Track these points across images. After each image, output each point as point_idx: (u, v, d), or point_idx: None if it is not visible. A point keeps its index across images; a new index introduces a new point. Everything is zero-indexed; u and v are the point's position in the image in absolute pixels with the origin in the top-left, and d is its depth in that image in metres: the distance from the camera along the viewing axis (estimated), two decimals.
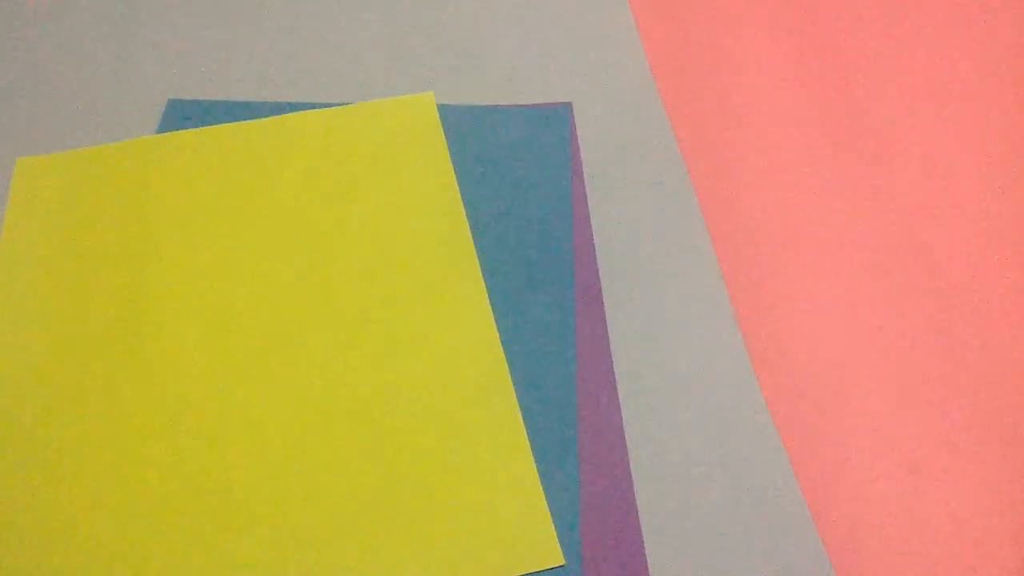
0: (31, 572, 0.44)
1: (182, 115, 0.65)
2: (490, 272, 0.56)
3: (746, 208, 0.59)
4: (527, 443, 0.48)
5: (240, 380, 0.51)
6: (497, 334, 0.53)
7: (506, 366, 0.51)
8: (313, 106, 0.65)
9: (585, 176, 0.61)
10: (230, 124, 0.64)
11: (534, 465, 0.47)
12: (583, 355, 0.52)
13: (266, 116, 0.64)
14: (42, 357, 0.52)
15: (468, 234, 0.57)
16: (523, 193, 0.60)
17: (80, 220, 0.58)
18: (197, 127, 0.64)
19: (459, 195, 0.60)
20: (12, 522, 0.46)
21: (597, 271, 0.56)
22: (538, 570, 0.44)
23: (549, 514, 0.46)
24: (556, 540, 0.45)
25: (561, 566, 0.44)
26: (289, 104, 0.65)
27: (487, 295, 0.54)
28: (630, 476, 0.47)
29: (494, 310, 0.54)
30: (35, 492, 0.47)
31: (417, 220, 0.58)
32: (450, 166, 0.61)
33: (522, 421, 0.49)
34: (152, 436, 0.49)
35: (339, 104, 0.65)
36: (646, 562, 0.44)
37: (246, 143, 0.63)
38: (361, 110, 0.65)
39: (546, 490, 0.46)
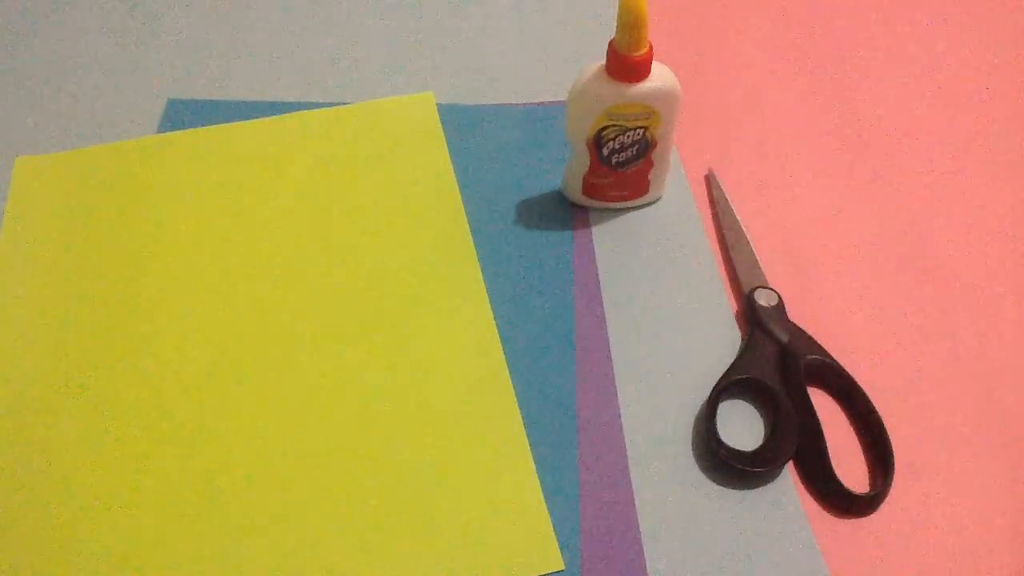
0: (32, 572, 0.44)
1: (182, 115, 0.65)
2: (490, 271, 0.55)
3: (744, 205, 0.59)
4: (527, 446, 0.48)
5: (240, 380, 0.51)
6: (497, 334, 0.52)
7: (506, 366, 0.51)
8: (313, 106, 0.65)
9: None
10: (230, 124, 0.64)
11: (535, 469, 0.47)
12: (583, 355, 0.52)
13: (266, 116, 0.64)
14: (41, 355, 0.52)
15: (468, 233, 0.57)
16: (523, 192, 0.60)
17: (79, 219, 0.58)
18: (197, 127, 0.64)
19: (459, 194, 0.59)
20: (12, 521, 0.46)
21: (597, 271, 0.56)
22: (539, 575, 0.44)
23: (550, 519, 0.45)
24: (556, 545, 0.44)
25: (560, 571, 0.44)
26: (289, 104, 0.65)
27: (487, 294, 0.54)
28: (630, 480, 0.47)
29: (494, 309, 0.54)
30: (36, 491, 0.47)
31: (417, 219, 0.58)
32: (450, 166, 0.61)
33: (522, 423, 0.49)
34: (151, 436, 0.48)
35: (339, 104, 0.65)
36: (646, 567, 0.44)
37: (246, 143, 0.63)
38: (361, 110, 0.65)
39: (546, 494, 0.46)
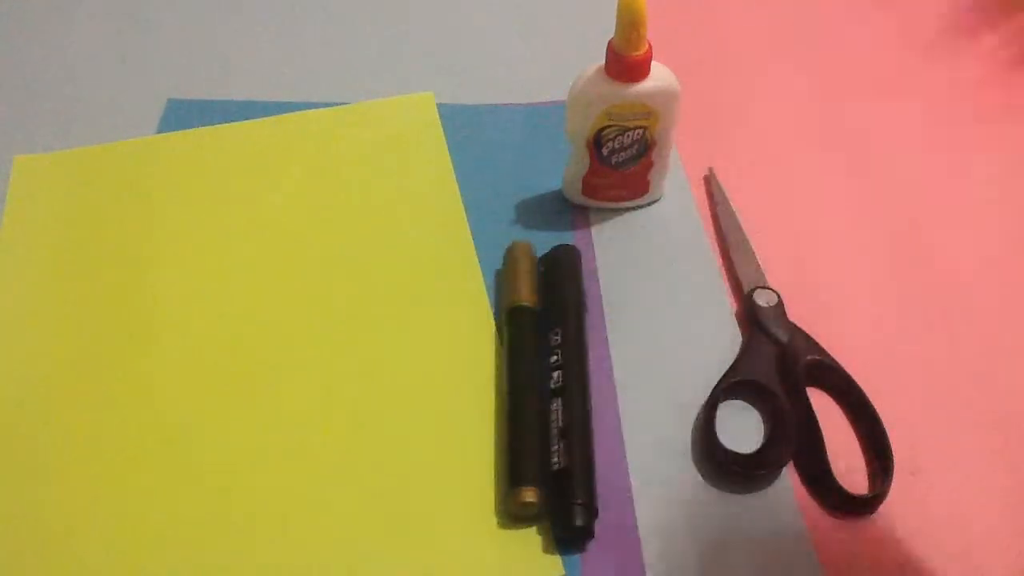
0: (33, 572, 0.44)
1: (182, 115, 0.65)
2: (490, 272, 0.55)
3: (744, 206, 0.59)
4: None
5: (240, 381, 0.51)
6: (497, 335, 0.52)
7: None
8: (313, 106, 0.65)
9: None
10: (230, 124, 0.64)
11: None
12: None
13: (266, 116, 0.64)
14: (40, 355, 0.52)
15: (468, 233, 0.57)
16: (523, 192, 0.60)
17: (79, 219, 0.58)
18: (197, 127, 0.64)
19: (459, 194, 0.59)
20: (13, 521, 0.45)
21: (597, 271, 0.56)
22: None
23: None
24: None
25: None
26: (289, 104, 0.65)
27: (487, 295, 0.54)
28: (629, 483, 0.47)
29: (494, 310, 0.54)
30: (35, 491, 0.47)
31: (417, 219, 0.58)
32: (450, 165, 0.61)
33: None
34: (150, 438, 0.48)
35: (339, 104, 0.65)
36: (644, 569, 0.44)
37: (246, 143, 0.63)
38: (361, 110, 0.65)
39: None
